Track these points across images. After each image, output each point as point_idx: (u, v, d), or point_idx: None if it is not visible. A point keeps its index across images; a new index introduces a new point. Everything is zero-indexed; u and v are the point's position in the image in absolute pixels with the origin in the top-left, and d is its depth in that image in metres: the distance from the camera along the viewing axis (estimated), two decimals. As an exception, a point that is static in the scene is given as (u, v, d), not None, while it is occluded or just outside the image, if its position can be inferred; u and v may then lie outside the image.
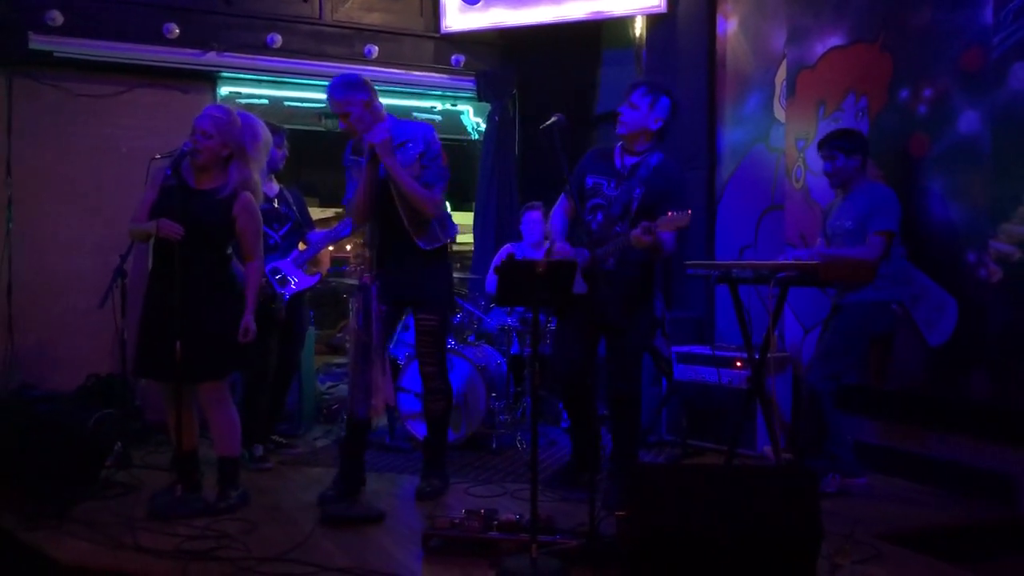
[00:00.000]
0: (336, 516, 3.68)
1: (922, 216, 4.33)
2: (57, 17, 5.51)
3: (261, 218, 3.92)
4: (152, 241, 3.79)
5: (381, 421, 4.87)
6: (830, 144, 4.27)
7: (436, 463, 4.17)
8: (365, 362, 3.70)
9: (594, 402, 4.20)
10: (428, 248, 3.94)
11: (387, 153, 3.75)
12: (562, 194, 4.14)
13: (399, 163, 3.81)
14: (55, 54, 5.59)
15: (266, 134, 3.96)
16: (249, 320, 3.79)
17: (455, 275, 6.19)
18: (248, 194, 3.82)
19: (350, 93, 3.85)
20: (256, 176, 3.89)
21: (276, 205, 4.83)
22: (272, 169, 4.81)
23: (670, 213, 3.56)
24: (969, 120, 4.16)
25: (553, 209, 4.21)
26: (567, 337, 4.05)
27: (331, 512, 3.71)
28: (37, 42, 5.51)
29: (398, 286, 3.92)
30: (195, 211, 3.71)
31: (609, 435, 4.22)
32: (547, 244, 5.32)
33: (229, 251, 3.90)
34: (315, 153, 7.53)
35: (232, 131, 3.79)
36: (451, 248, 4.47)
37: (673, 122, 4.02)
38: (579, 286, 3.46)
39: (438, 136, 3.98)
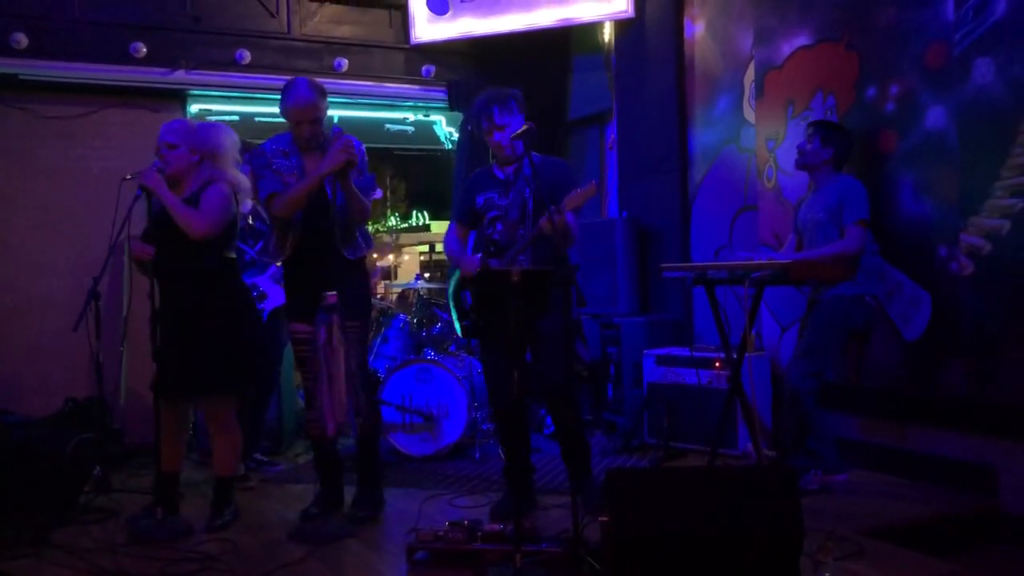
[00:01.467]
0: (311, 539, 3.60)
1: (893, 212, 4.37)
2: (22, 39, 5.46)
3: (229, 203, 3.79)
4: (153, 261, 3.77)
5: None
6: (817, 125, 4.32)
7: (371, 482, 4.01)
8: (345, 381, 3.62)
9: (528, 432, 4.11)
10: (353, 258, 3.88)
11: (356, 173, 3.70)
12: (450, 223, 4.18)
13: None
14: (20, 76, 5.55)
15: (232, 133, 3.96)
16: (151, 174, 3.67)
17: (434, 285, 6.21)
18: (219, 184, 3.76)
19: (323, 100, 3.82)
20: (233, 171, 3.87)
21: (251, 221, 4.81)
22: None
23: (577, 190, 3.59)
24: (936, 116, 4.21)
25: (445, 239, 4.20)
26: (495, 363, 3.95)
27: (304, 536, 3.65)
28: (2, 65, 5.47)
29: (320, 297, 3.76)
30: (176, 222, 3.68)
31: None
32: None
33: (232, 255, 3.87)
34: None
35: (195, 135, 3.80)
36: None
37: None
38: None
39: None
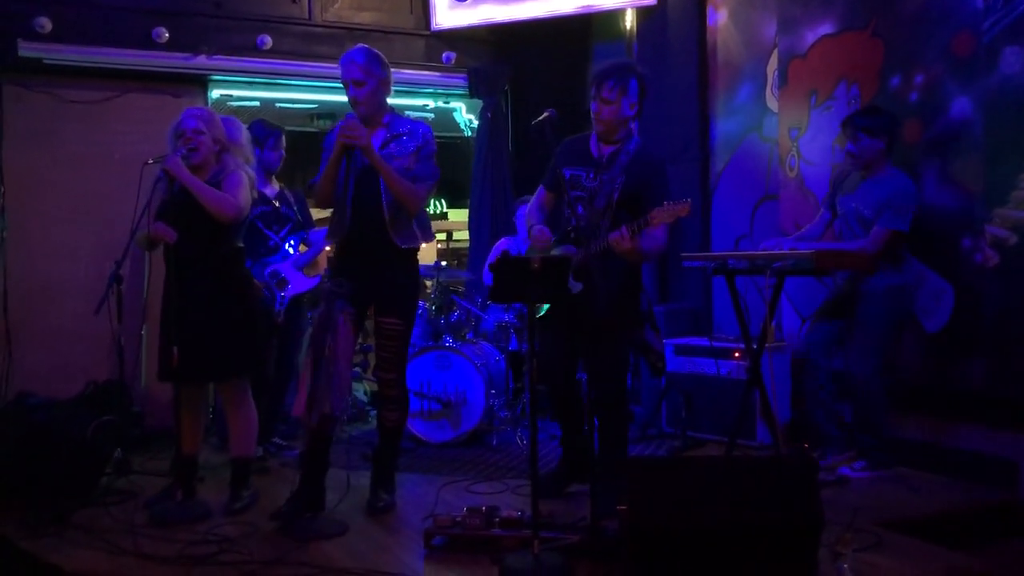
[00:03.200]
0: (299, 534, 3.48)
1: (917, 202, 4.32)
2: (46, 24, 5.49)
3: (248, 193, 3.83)
4: (162, 246, 3.80)
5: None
6: (854, 123, 4.16)
7: (387, 477, 3.95)
8: (343, 366, 3.56)
9: (582, 403, 3.98)
10: (404, 246, 3.74)
11: (372, 149, 3.61)
12: (540, 187, 4.05)
13: (391, 152, 3.72)
14: (44, 60, 5.56)
15: (246, 130, 4.04)
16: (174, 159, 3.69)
17: (453, 273, 6.22)
18: (239, 172, 3.81)
19: (374, 65, 3.72)
20: (250, 169, 3.93)
21: (277, 205, 4.83)
22: (269, 170, 4.83)
23: (665, 203, 3.46)
24: (961, 105, 4.16)
25: (531, 204, 4.09)
26: (549, 337, 3.83)
27: (294, 531, 3.51)
28: (26, 49, 5.49)
29: (364, 284, 3.69)
30: (196, 206, 3.70)
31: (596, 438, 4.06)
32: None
33: (240, 244, 3.90)
34: (308, 154, 7.52)
35: (218, 125, 3.85)
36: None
37: (646, 99, 3.86)
38: (572, 285, 3.36)
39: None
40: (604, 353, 3.75)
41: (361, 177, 3.69)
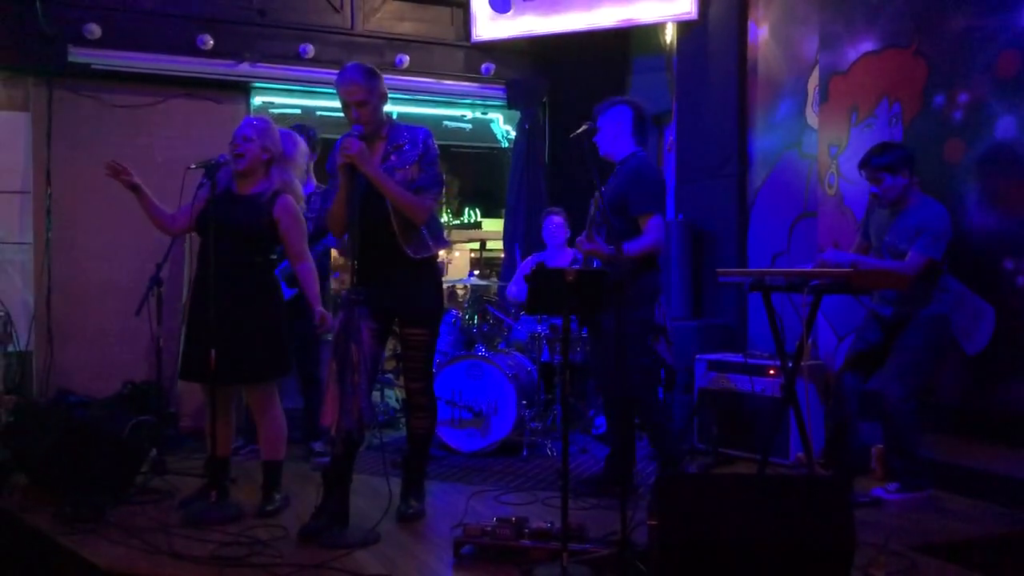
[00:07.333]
0: (330, 543, 3.44)
1: (957, 223, 4.25)
2: (95, 30, 5.62)
3: (304, 220, 3.96)
4: (198, 248, 3.87)
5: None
6: (871, 165, 4.09)
7: (417, 485, 3.97)
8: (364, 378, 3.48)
9: (631, 410, 4.20)
10: (417, 257, 3.70)
11: (365, 162, 3.53)
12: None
13: (392, 165, 3.66)
14: (93, 66, 5.70)
15: (303, 145, 4.08)
16: (322, 311, 3.84)
17: (485, 282, 6.25)
18: (288, 196, 3.88)
19: (373, 82, 3.64)
20: (297, 182, 3.99)
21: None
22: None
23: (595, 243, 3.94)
24: (1006, 125, 4.10)
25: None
26: (592, 345, 4.14)
27: (325, 541, 3.46)
28: (76, 55, 5.63)
29: (385, 299, 3.69)
30: (238, 215, 3.79)
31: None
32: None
33: (274, 256, 3.95)
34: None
35: (271, 136, 3.90)
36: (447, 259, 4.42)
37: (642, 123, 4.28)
38: None
39: (436, 142, 3.77)
40: (605, 354, 4.04)
41: (367, 192, 3.62)
